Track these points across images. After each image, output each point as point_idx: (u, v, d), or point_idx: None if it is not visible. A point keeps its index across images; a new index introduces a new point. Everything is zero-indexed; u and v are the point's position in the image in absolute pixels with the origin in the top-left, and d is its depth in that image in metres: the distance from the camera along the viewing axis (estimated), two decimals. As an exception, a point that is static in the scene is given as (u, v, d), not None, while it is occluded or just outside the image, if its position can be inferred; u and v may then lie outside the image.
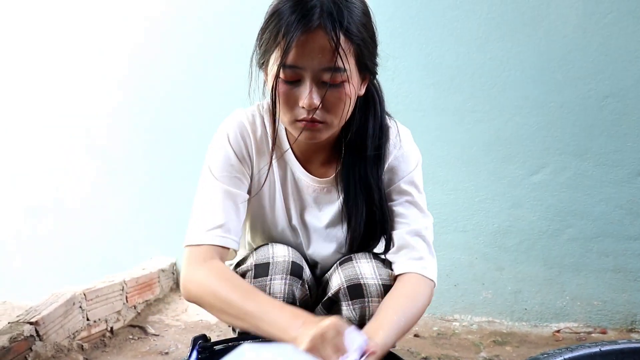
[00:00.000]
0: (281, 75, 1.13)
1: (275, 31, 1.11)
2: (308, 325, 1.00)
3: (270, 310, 1.08)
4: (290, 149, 1.35)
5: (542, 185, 2.33)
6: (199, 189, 1.31)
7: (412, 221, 1.32)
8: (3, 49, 2.97)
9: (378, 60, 1.25)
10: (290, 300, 1.27)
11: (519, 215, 2.37)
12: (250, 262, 1.32)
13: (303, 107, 1.14)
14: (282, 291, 1.27)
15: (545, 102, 2.30)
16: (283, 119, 1.22)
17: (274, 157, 1.34)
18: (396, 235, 1.33)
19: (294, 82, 1.14)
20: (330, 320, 0.98)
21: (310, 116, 1.15)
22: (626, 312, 2.25)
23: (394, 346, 1.34)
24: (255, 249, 1.38)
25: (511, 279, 2.39)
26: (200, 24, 2.73)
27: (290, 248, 1.36)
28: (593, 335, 2.21)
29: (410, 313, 1.18)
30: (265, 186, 1.36)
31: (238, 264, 1.37)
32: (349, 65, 1.12)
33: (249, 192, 1.35)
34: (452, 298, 2.46)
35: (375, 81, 1.32)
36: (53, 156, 3.00)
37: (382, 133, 1.32)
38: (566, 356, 1.09)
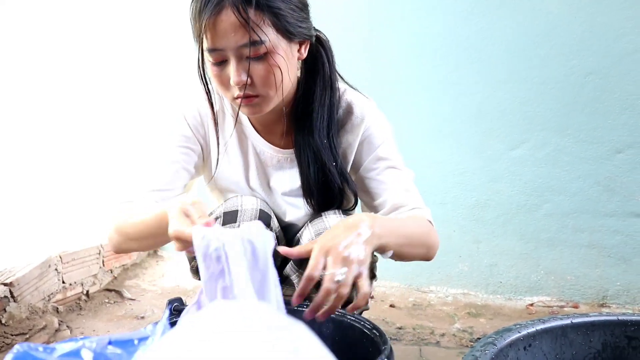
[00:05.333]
0: (209, 58, 1.18)
1: (193, 19, 1.17)
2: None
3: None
4: (250, 123, 1.39)
5: (522, 160, 2.34)
6: (149, 153, 1.36)
7: (397, 182, 1.34)
8: None
9: (311, 21, 1.27)
10: None
11: (497, 189, 2.38)
12: (219, 210, 1.36)
13: (234, 85, 1.18)
14: None
15: (528, 77, 2.30)
16: (226, 98, 1.28)
17: (234, 129, 1.39)
18: (387, 198, 1.34)
19: (221, 63, 1.18)
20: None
21: (242, 92, 1.18)
22: (598, 287, 2.29)
23: (388, 251, 1.16)
24: (225, 200, 1.41)
25: (487, 252, 2.42)
26: None
27: (259, 199, 1.39)
28: (565, 309, 2.25)
29: (412, 228, 1.22)
30: (222, 160, 1.41)
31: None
32: (267, 36, 1.14)
33: (202, 165, 1.43)
34: (428, 269, 2.48)
35: (322, 41, 1.33)
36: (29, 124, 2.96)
37: (332, 93, 1.33)
38: (539, 327, 1.10)
